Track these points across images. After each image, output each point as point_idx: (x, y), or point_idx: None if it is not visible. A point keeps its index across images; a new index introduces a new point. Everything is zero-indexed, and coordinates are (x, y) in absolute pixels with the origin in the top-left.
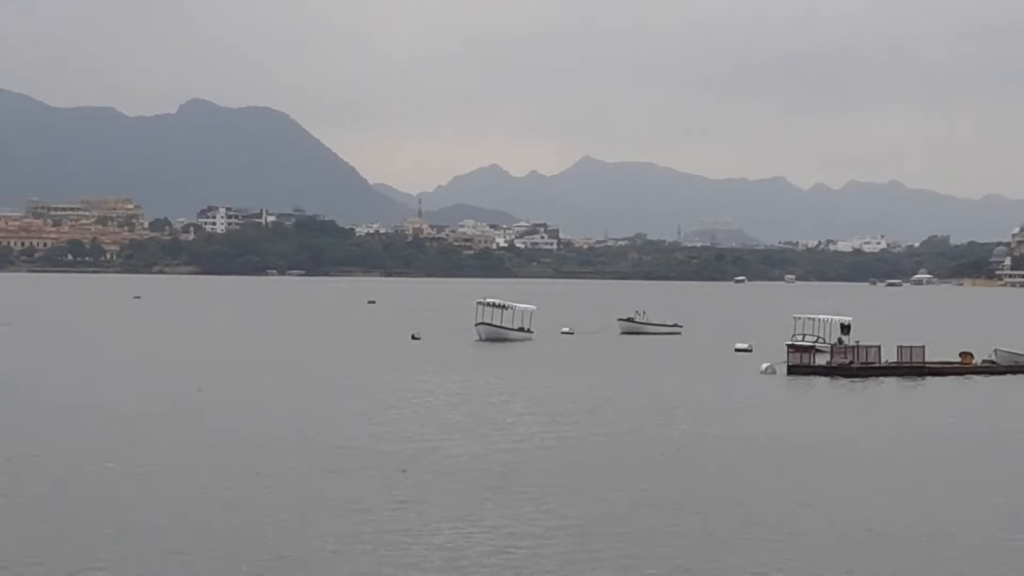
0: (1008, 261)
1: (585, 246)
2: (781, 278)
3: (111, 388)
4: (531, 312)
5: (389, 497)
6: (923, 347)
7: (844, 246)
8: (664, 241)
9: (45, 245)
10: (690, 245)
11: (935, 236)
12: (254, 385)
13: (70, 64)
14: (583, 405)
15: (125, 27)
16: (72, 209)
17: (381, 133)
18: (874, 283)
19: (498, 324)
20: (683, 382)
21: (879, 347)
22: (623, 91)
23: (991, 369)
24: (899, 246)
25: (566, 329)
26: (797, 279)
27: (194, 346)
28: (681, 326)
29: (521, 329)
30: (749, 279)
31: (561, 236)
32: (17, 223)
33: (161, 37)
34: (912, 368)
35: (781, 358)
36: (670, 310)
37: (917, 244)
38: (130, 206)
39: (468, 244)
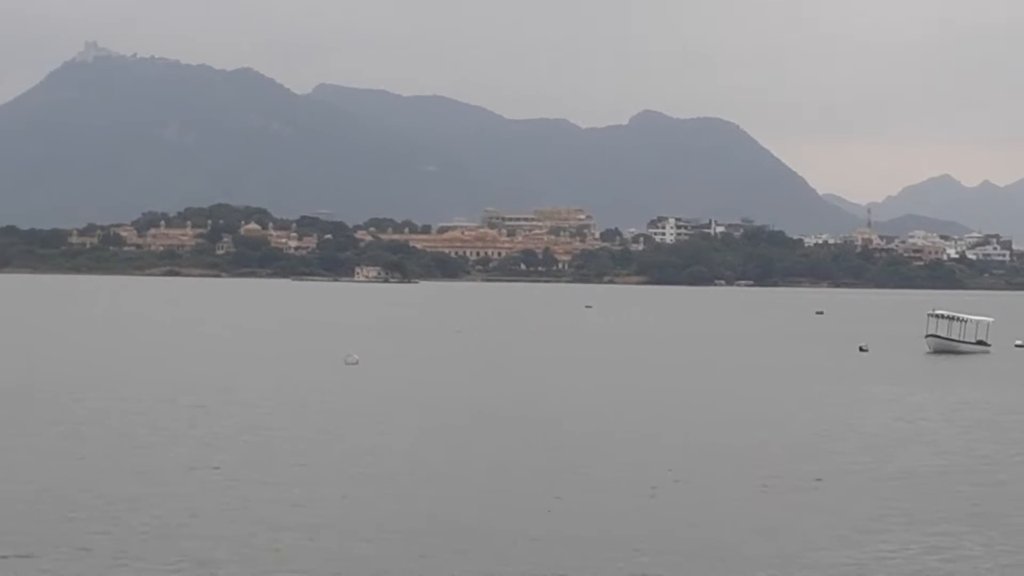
0: None
1: None
2: None
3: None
4: (988, 324)
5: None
6: None
7: None
8: None
9: (499, 255)
10: None
11: None
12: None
13: (526, 78)
14: None
15: (579, 41)
16: (526, 219)
17: (832, 144)
18: None
19: (949, 336)
20: None
21: None
22: None
23: None
24: None
25: (1019, 342)
26: None
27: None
28: None
29: (980, 342)
30: None
31: (1014, 247)
32: (473, 233)
33: (614, 50)
34: None
35: None
36: None
37: None
38: (582, 216)
39: (918, 255)
